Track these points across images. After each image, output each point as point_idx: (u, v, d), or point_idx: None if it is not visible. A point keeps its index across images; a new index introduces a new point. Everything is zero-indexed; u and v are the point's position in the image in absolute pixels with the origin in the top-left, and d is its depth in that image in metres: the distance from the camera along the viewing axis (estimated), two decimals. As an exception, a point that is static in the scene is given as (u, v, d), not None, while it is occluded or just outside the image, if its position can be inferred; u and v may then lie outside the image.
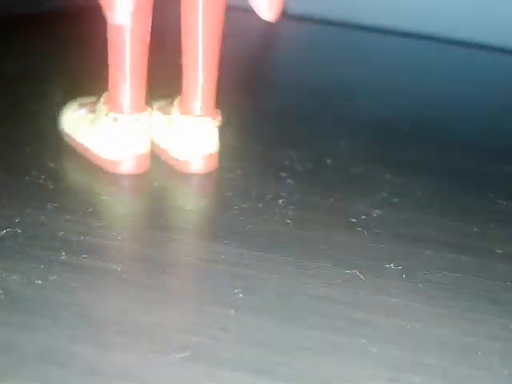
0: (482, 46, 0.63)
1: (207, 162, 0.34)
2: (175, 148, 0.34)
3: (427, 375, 0.22)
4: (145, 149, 0.32)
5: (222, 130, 0.40)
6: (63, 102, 0.41)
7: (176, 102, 0.34)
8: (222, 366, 0.21)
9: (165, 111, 0.34)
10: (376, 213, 0.32)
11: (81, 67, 0.49)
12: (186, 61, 0.32)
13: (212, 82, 0.33)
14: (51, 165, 0.33)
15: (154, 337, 0.22)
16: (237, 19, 0.67)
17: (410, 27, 0.65)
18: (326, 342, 0.23)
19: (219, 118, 0.34)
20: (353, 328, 0.24)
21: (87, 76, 0.47)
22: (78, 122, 0.34)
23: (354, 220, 0.31)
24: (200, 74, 0.32)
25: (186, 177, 0.34)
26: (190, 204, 0.32)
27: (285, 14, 0.64)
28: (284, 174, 0.35)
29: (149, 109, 0.33)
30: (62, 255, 0.26)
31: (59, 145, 0.35)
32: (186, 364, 0.21)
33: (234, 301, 0.24)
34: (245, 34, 0.65)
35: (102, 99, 0.33)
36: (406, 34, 0.66)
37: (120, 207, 0.31)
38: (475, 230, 0.32)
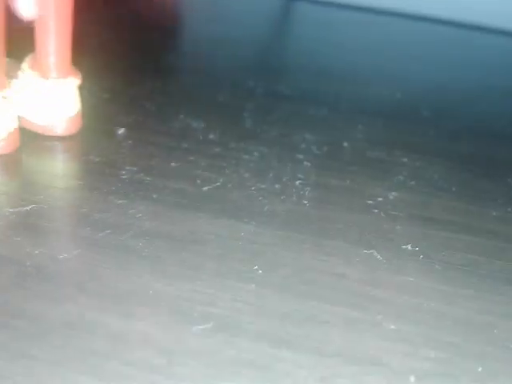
0: (499, 31, 0.63)
1: (70, 124, 0.33)
2: (35, 113, 0.32)
3: (442, 351, 0.23)
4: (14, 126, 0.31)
5: (239, 112, 0.41)
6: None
7: (27, 63, 0.32)
8: (243, 336, 0.22)
9: (13, 74, 0.32)
10: (393, 195, 0.33)
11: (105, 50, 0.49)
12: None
13: (66, 39, 0.31)
14: (71, 143, 0.34)
15: (175, 308, 0.23)
16: (246, 2, 0.67)
17: (427, 11, 0.65)
18: (343, 317, 0.23)
19: (78, 76, 0.33)
20: (370, 304, 0.24)
21: (110, 59, 0.47)
22: None
23: (370, 202, 0.32)
24: (53, 29, 0.30)
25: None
26: (206, 183, 0.32)
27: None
28: (301, 157, 0.36)
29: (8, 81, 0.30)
30: (87, 231, 0.26)
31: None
32: (208, 334, 0.22)
33: (253, 276, 0.25)
34: (259, 17, 0.65)
35: None
36: (423, 18, 0.65)
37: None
38: (493, 213, 0.32)
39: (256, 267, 0.26)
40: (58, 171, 0.31)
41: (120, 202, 0.29)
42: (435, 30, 0.65)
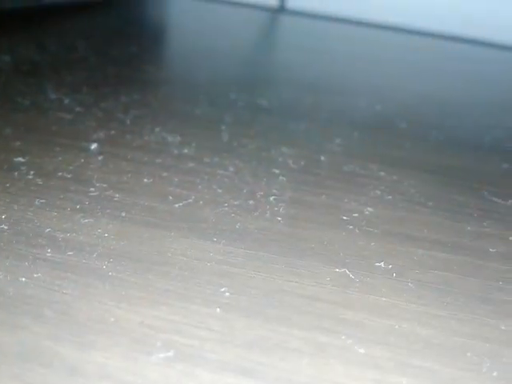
0: (480, 43, 0.63)
1: None
2: None
3: (414, 377, 0.22)
4: None
5: (216, 125, 0.40)
6: (57, 98, 0.41)
7: None
8: (206, 367, 0.21)
9: None
10: (368, 210, 0.32)
11: (77, 62, 0.49)
12: None
13: None
14: (39, 161, 0.33)
15: (136, 336, 0.22)
16: (233, 14, 0.66)
17: (408, 23, 0.65)
18: (312, 343, 0.23)
19: None
20: (340, 328, 0.24)
21: (84, 72, 0.46)
22: None
23: (345, 218, 0.31)
24: None
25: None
26: (178, 200, 0.31)
27: (283, 9, 0.64)
28: (277, 171, 0.35)
29: None
30: (48, 252, 0.26)
31: (50, 141, 0.35)
32: (169, 364, 0.21)
33: (219, 299, 0.24)
34: (241, 29, 0.65)
35: None
36: (404, 30, 0.65)
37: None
38: (469, 228, 0.31)
39: (223, 289, 0.25)
40: (21, 188, 0.30)
41: (86, 221, 0.28)
42: (421, 43, 0.65)
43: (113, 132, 0.37)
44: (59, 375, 0.20)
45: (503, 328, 0.25)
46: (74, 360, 0.20)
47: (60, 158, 0.33)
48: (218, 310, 0.24)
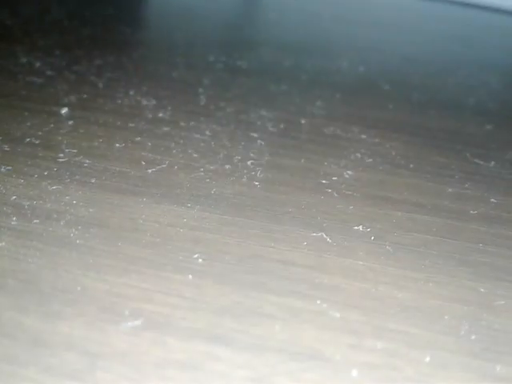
0: (463, 4, 0.61)
1: None
2: None
3: (390, 341, 0.21)
4: None
5: (193, 88, 0.39)
6: (27, 61, 0.39)
7: None
8: (176, 335, 0.20)
9: None
10: (348, 174, 0.31)
11: (50, 24, 0.47)
12: None
13: None
14: (7, 126, 0.31)
15: (104, 305, 0.21)
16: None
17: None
18: (286, 308, 0.22)
19: None
20: (315, 292, 0.23)
21: (58, 35, 0.45)
22: None
23: (324, 181, 0.30)
24: None
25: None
26: (151, 165, 0.30)
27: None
28: (255, 135, 0.34)
29: None
30: (13, 221, 0.25)
31: (18, 106, 0.34)
32: (137, 333, 0.20)
33: (192, 266, 0.23)
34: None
35: None
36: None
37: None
38: (450, 190, 0.31)
39: (196, 256, 0.24)
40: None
41: (54, 187, 0.27)
42: (404, 4, 0.63)
43: (85, 96, 0.36)
44: (23, 346, 0.19)
45: (482, 290, 0.24)
46: (39, 331, 0.20)
47: (28, 124, 0.32)
48: (191, 276, 0.23)
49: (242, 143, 0.33)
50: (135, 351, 0.19)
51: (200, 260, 0.24)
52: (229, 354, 0.20)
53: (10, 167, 0.28)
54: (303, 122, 0.36)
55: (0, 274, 0.22)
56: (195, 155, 0.31)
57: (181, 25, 0.52)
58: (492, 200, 0.30)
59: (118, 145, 0.31)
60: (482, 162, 0.34)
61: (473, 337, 0.22)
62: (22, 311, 0.20)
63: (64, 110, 0.34)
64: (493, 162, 0.34)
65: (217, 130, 0.34)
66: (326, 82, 0.42)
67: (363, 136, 0.35)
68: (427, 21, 0.60)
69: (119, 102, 0.36)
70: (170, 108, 0.36)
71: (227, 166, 0.31)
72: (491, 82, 0.46)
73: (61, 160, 0.29)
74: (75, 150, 0.30)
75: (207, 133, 0.34)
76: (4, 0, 0.52)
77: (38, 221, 0.25)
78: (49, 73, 0.38)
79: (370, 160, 0.33)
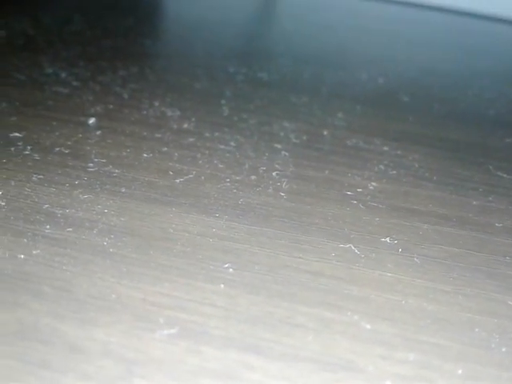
0: (482, 16, 0.62)
1: None
2: None
3: (421, 353, 0.22)
4: None
5: (216, 99, 0.39)
6: (53, 72, 0.40)
7: None
8: (210, 343, 0.20)
9: None
10: (372, 185, 0.31)
11: (72, 35, 0.47)
12: None
13: None
14: (36, 136, 0.32)
15: (139, 313, 0.21)
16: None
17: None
18: (317, 318, 0.22)
19: None
20: (345, 303, 0.23)
21: (80, 46, 0.45)
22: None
23: (349, 193, 0.30)
24: None
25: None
26: (179, 175, 0.31)
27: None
28: (279, 146, 0.34)
29: None
30: (47, 229, 0.25)
31: (46, 116, 0.34)
32: (173, 341, 0.20)
33: (223, 276, 0.24)
34: (240, 0, 0.63)
35: None
36: (407, 4, 0.64)
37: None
38: (474, 203, 0.31)
39: (226, 266, 0.24)
40: (18, 164, 0.29)
41: (85, 196, 0.27)
42: (423, 16, 0.64)
43: (111, 106, 0.37)
44: (59, 353, 0.19)
45: (510, 303, 0.24)
46: (75, 337, 0.20)
47: (57, 133, 0.33)
48: (222, 286, 0.23)
49: (267, 154, 0.33)
50: (171, 359, 0.20)
51: (231, 270, 0.24)
52: (262, 363, 0.20)
53: (41, 176, 0.28)
54: (325, 133, 0.37)
55: (36, 282, 0.22)
56: (221, 166, 0.32)
57: (199, 35, 0.52)
58: (517, 213, 0.30)
59: (145, 155, 0.32)
60: (505, 175, 0.34)
61: (503, 349, 0.22)
62: (58, 318, 0.21)
63: (91, 120, 0.34)
64: (516, 175, 0.34)
65: (241, 140, 0.35)
66: (346, 94, 0.43)
67: (385, 148, 0.35)
68: (441, 32, 0.60)
69: (144, 112, 0.36)
70: (193, 119, 0.37)
71: (253, 177, 0.31)
72: (509, 94, 0.46)
73: (90, 169, 0.30)
74: (104, 160, 0.31)
75: (232, 144, 0.34)
76: (25, 10, 0.53)
77: (71, 229, 0.25)
78: (74, 83, 0.39)
79: (394, 172, 0.33)
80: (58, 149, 0.31)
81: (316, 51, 0.51)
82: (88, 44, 0.46)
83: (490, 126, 0.40)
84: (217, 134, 0.35)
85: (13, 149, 0.31)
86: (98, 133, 0.33)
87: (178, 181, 0.30)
